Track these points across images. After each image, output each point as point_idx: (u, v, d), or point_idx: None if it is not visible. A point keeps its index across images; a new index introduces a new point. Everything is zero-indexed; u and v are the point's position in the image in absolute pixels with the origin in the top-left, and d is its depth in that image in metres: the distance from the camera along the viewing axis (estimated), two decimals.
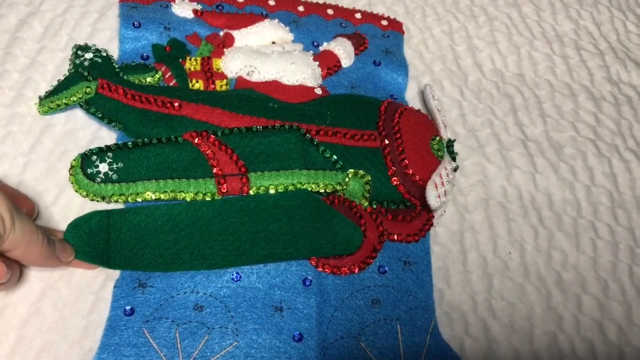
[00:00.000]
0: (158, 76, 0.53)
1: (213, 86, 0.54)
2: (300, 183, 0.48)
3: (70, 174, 0.46)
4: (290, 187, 0.48)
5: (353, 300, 0.46)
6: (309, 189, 0.48)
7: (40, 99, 0.50)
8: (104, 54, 0.53)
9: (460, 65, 0.65)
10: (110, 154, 0.47)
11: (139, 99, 0.50)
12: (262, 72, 0.55)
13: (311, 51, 0.59)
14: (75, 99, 0.49)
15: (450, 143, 0.53)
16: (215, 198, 0.47)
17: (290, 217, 0.46)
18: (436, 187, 0.49)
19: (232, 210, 0.46)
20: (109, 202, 0.46)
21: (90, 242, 0.42)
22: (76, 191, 0.46)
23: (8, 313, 0.41)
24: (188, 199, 0.47)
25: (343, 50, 0.59)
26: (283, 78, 0.55)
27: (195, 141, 0.48)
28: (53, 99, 0.49)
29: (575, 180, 0.59)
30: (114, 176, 0.46)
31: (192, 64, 0.55)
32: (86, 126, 0.51)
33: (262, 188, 0.47)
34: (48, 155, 0.48)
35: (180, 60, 0.55)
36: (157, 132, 0.49)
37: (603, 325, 0.51)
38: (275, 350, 0.43)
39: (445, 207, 0.52)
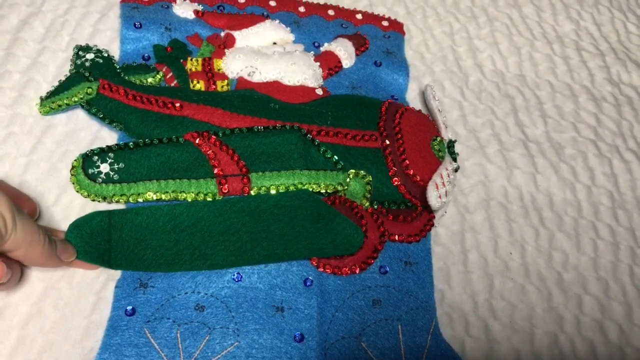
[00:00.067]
0: (159, 77, 0.53)
1: (214, 87, 0.54)
2: (301, 183, 0.48)
3: (72, 175, 0.46)
4: (291, 188, 0.48)
5: (354, 300, 0.46)
6: (310, 189, 0.48)
7: (42, 99, 0.50)
8: (105, 55, 0.53)
9: (461, 66, 0.65)
10: (111, 155, 0.47)
11: (140, 99, 0.50)
12: (263, 72, 0.55)
13: (312, 52, 0.59)
14: (76, 99, 0.49)
15: (451, 143, 0.53)
16: (217, 198, 0.47)
17: (291, 218, 0.46)
18: (437, 187, 0.49)
19: (234, 210, 0.46)
20: (110, 203, 0.46)
21: (92, 242, 0.42)
22: (77, 191, 0.46)
23: (9, 313, 0.41)
24: (189, 200, 0.47)
25: (344, 51, 0.59)
26: (284, 79, 0.55)
27: (197, 141, 0.48)
28: (54, 100, 0.49)
29: (576, 180, 0.59)
30: (115, 176, 0.46)
31: (193, 65, 0.55)
32: (87, 127, 0.51)
33: (263, 188, 0.48)
34: (49, 156, 0.48)
35: (181, 60, 0.55)
36: (158, 132, 0.49)
37: (604, 326, 0.51)
38: (276, 350, 0.43)
39: (446, 207, 0.52)
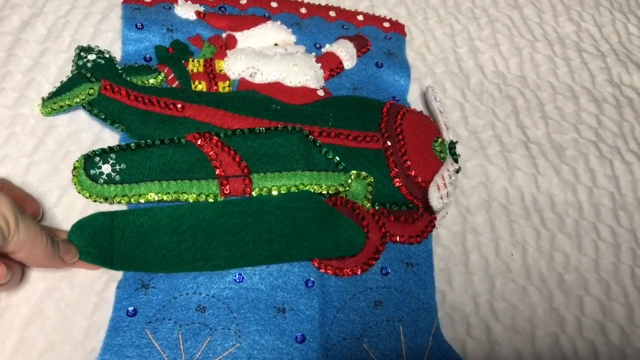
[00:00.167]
0: (161, 77, 0.53)
1: (216, 87, 0.54)
2: (303, 184, 0.48)
3: (73, 175, 0.46)
4: (293, 189, 0.48)
5: (355, 301, 0.46)
6: (312, 190, 0.48)
7: (43, 100, 0.50)
8: (107, 56, 0.53)
9: (462, 67, 0.65)
10: (113, 155, 0.47)
11: (142, 100, 0.50)
12: (265, 73, 0.55)
13: (313, 53, 0.59)
14: (78, 100, 0.49)
15: (452, 145, 0.53)
16: (218, 199, 0.47)
17: (293, 219, 0.46)
18: (438, 188, 0.49)
19: (235, 211, 0.46)
20: (111, 203, 0.46)
21: (94, 243, 0.43)
22: (79, 192, 0.46)
23: (10, 314, 0.41)
24: (191, 200, 0.47)
25: (345, 52, 0.59)
26: (285, 80, 0.55)
27: (198, 142, 0.48)
28: (56, 100, 0.50)
29: (577, 182, 0.59)
30: (117, 177, 0.46)
31: (194, 66, 0.55)
32: (89, 127, 0.51)
33: (264, 189, 0.48)
34: (51, 157, 0.48)
35: (183, 61, 0.55)
36: (159, 133, 0.49)
37: (605, 327, 0.51)
38: (277, 351, 0.43)
39: (447, 208, 0.52)
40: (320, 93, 0.56)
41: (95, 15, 0.57)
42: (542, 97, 0.65)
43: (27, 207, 0.43)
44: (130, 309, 0.42)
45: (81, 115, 0.51)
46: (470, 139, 0.59)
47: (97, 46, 0.54)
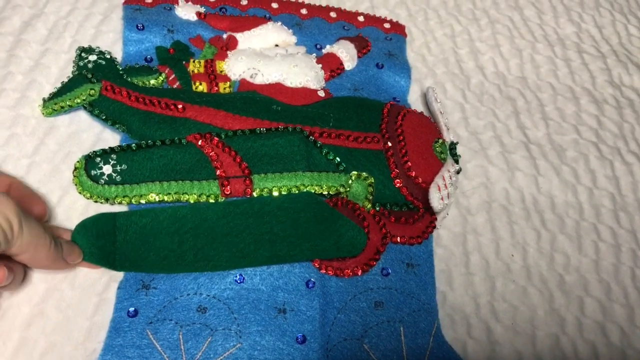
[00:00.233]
0: (162, 78, 0.53)
1: (216, 88, 0.54)
2: (304, 185, 0.48)
3: (74, 176, 0.46)
4: (294, 189, 0.48)
5: (356, 302, 0.46)
6: (312, 190, 0.48)
7: (44, 100, 0.50)
8: (108, 56, 0.53)
9: (462, 68, 0.65)
10: (114, 156, 0.47)
11: (143, 101, 0.50)
12: (266, 74, 0.55)
13: (314, 54, 0.59)
14: (79, 100, 0.49)
15: (452, 146, 0.53)
16: (219, 200, 0.47)
17: (294, 220, 0.46)
18: (439, 189, 0.49)
19: (237, 212, 0.46)
20: (112, 204, 0.46)
21: (98, 243, 0.43)
22: (80, 193, 0.46)
23: (11, 314, 0.41)
24: (192, 201, 0.47)
25: (346, 53, 0.59)
26: (286, 80, 0.55)
27: (199, 143, 0.48)
28: (57, 101, 0.50)
29: (577, 183, 0.59)
30: (118, 178, 0.46)
31: (195, 67, 0.55)
32: (90, 128, 0.51)
33: (265, 190, 0.48)
34: (52, 157, 0.48)
35: (183, 62, 0.55)
36: (160, 134, 0.49)
37: (605, 328, 0.51)
38: (278, 352, 0.43)
39: (448, 209, 0.52)
40: (321, 94, 0.56)
41: (96, 16, 0.58)
42: (542, 98, 0.65)
43: (35, 207, 0.43)
44: (131, 309, 0.42)
45: (82, 116, 0.51)
46: (471, 139, 0.59)
47: (98, 47, 0.54)
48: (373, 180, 0.50)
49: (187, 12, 0.58)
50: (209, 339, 0.42)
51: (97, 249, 0.42)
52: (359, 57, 0.60)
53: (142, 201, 0.46)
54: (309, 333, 0.44)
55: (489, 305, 0.50)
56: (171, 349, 0.41)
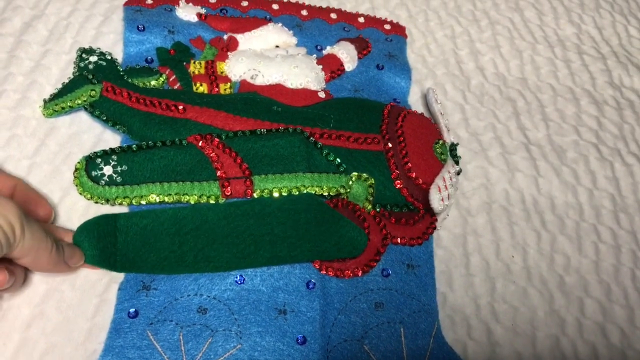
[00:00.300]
0: (162, 79, 0.53)
1: (217, 89, 0.54)
2: (304, 186, 0.48)
3: (75, 177, 0.46)
4: (294, 190, 0.48)
5: (356, 303, 0.46)
6: (313, 192, 0.48)
7: (45, 101, 0.50)
8: (109, 57, 0.54)
9: (462, 69, 0.65)
10: (114, 157, 0.47)
11: (144, 102, 0.50)
12: (266, 75, 0.55)
13: (314, 55, 0.59)
14: (79, 101, 0.50)
15: (453, 147, 0.53)
16: (219, 201, 0.47)
17: (295, 221, 0.46)
18: (439, 190, 0.49)
19: (238, 213, 0.46)
20: (113, 205, 0.46)
21: (99, 245, 0.43)
22: (80, 194, 0.46)
23: (12, 315, 0.41)
24: (192, 202, 0.47)
25: (346, 54, 0.59)
26: (287, 81, 0.55)
27: (200, 144, 0.48)
28: (57, 102, 0.50)
29: (577, 184, 0.59)
30: (118, 179, 0.46)
31: (196, 68, 0.55)
32: (90, 129, 0.51)
33: (265, 191, 0.48)
34: (52, 158, 0.48)
35: (184, 63, 0.55)
36: (161, 135, 0.49)
37: (605, 329, 0.51)
38: (278, 353, 0.43)
39: (448, 210, 0.52)
40: (321, 95, 0.56)
41: (96, 17, 0.58)
42: (542, 99, 0.65)
43: (39, 209, 0.43)
44: (132, 310, 0.42)
45: (83, 117, 0.51)
46: (471, 140, 0.59)
47: (99, 48, 0.55)
48: (373, 181, 0.50)
49: (187, 13, 0.58)
50: (210, 340, 0.42)
51: (99, 251, 0.42)
52: (359, 58, 0.60)
53: (143, 202, 0.46)
54: (309, 334, 0.44)
55: (489, 306, 0.50)
56: (171, 349, 0.41)
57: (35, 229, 0.36)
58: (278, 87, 0.55)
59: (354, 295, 0.46)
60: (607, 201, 0.58)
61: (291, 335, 0.43)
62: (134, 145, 0.48)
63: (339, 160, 0.50)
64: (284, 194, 0.48)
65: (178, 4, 0.59)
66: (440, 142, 0.53)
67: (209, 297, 0.44)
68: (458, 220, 0.54)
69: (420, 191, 0.50)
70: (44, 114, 0.50)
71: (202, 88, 0.54)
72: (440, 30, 0.68)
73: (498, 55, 0.67)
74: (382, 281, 0.48)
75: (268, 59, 0.56)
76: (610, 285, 0.53)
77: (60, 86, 0.51)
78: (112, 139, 0.51)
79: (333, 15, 0.63)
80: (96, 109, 0.50)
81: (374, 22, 0.65)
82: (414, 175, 0.50)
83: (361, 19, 0.64)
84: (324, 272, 0.46)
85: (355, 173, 0.50)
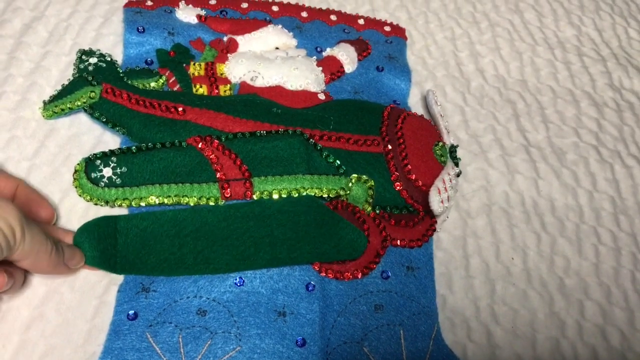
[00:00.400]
0: (162, 81, 0.53)
1: (217, 91, 0.54)
2: (304, 188, 0.48)
3: (74, 178, 0.46)
4: (294, 192, 0.48)
5: (356, 305, 0.46)
6: (312, 193, 0.48)
7: (45, 103, 0.50)
8: (108, 59, 0.54)
9: (462, 71, 0.65)
10: (114, 159, 0.47)
11: (143, 103, 0.50)
12: (266, 77, 0.55)
13: (314, 57, 0.59)
14: (79, 103, 0.50)
15: (453, 149, 0.53)
16: (219, 203, 0.47)
17: (295, 223, 0.46)
18: (439, 192, 0.49)
19: (237, 215, 0.46)
20: (112, 207, 0.46)
21: (99, 247, 0.43)
22: (80, 195, 0.46)
23: (11, 317, 0.41)
24: (192, 204, 0.47)
25: (346, 56, 0.59)
26: (287, 83, 0.55)
27: (199, 146, 0.48)
28: (57, 103, 0.50)
29: (577, 186, 0.59)
30: (118, 180, 0.46)
31: (196, 69, 0.55)
32: (90, 130, 0.51)
33: (265, 193, 0.48)
34: (52, 160, 0.48)
35: (184, 65, 0.55)
36: (161, 136, 0.49)
37: (606, 331, 0.51)
38: (278, 355, 0.43)
39: (448, 212, 0.52)
40: (321, 97, 0.56)
41: (96, 19, 0.58)
42: (542, 101, 0.65)
43: (41, 210, 0.43)
44: (131, 312, 0.42)
45: (82, 119, 0.51)
46: (471, 142, 0.59)
47: (99, 49, 0.55)
48: (373, 183, 0.50)
49: (187, 15, 0.58)
50: (209, 342, 0.42)
51: (99, 252, 0.42)
52: (359, 60, 0.60)
53: (142, 204, 0.46)
54: (308, 336, 0.44)
55: (489, 308, 0.50)
56: (171, 352, 0.41)
57: (36, 232, 0.36)
58: (278, 89, 0.55)
59: (353, 298, 0.46)
60: (607, 203, 0.58)
61: (290, 337, 0.43)
62: (134, 147, 0.48)
63: (338, 162, 0.50)
64: (284, 195, 0.48)
65: (178, 6, 0.59)
66: (440, 144, 0.53)
67: (208, 299, 0.44)
68: (458, 222, 0.54)
69: (420, 193, 0.50)
70: (43, 116, 0.50)
71: (202, 90, 0.54)
72: (440, 32, 0.68)
73: (498, 57, 0.67)
74: (382, 283, 0.48)
75: (268, 60, 0.56)
76: (610, 287, 0.53)
77: (60, 88, 0.51)
78: (111, 141, 0.51)
79: (333, 17, 0.63)
80: (96, 111, 0.50)
81: (374, 24, 0.65)
82: (413, 177, 0.50)
83: (361, 21, 0.64)
84: (323, 274, 0.46)
85: (355, 175, 0.50)
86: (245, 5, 0.61)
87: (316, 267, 0.46)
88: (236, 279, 0.45)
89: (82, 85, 0.50)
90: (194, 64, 0.55)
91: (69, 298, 0.43)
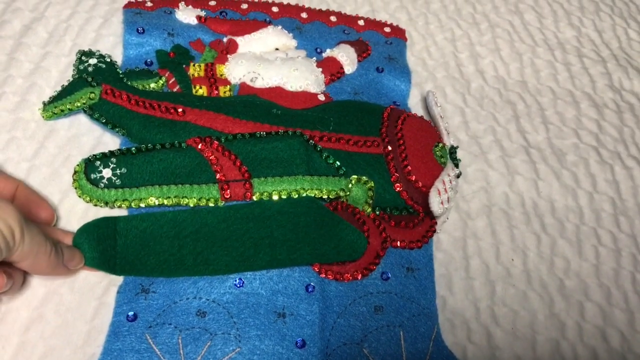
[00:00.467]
0: (162, 82, 0.53)
1: (216, 92, 0.54)
2: (304, 189, 0.48)
3: (74, 179, 0.46)
4: (294, 193, 0.48)
5: (356, 306, 0.46)
6: (312, 194, 0.48)
7: (44, 104, 0.50)
8: (108, 60, 0.53)
9: (462, 72, 0.65)
10: (113, 160, 0.47)
11: (143, 104, 0.50)
12: (266, 78, 0.55)
13: (314, 57, 0.59)
14: (79, 104, 0.50)
15: (453, 150, 0.53)
16: (219, 204, 0.47)
17: (294, 224, 0.46)
18: (439, 193, 0.49)
19: (237, 217, 0.46)
20: (112, 208, 0.46)
21: (99, 248, 0.43)
22: (79, 196, 0.46)
23: (10, 318, 0.41)
24: (191, 205, 0.47)
25: (346, 57, 0.59)
26: (286, 84, 0.55)
27: (199, 147, 0.48)
28: (57, 104, 0.50)
29: (577, 187, 0.59)
30: (118, 181, 0.46)
31: (195, 70, 0.55)
32: (90, 131, 0.51)
33: (265, 194, 0.48)
34: (52, 161, 0.48)
35: (184, 66, 0.55)
36: (160, 137, 0.49)
37: (606, 333, 0.51)
38: (277, 356, 0.43)
39: (448, 213, 0.52)
40: (321, 98, 0.56)
41: (96, 20, 0.58)
42: (542, 102, 0.65)
43: (41, 211, 0.43)
44: (131, 313, 0.42)
45: (82, 120, 0.51)
46: (471, 143, 0.59)
47: (98, 50, 0.55)
48: (373, 184, 0.50)
49: (187, 16, 0.58)
50: (208, 343, 0.42)
51: (98, 254, 0.42)
52: (359, 61, 0.60)
53: (142, 205, 0.46)
54: (308, 337, 0.43)
55: (489, 309, 0.50)
56: (170, 353, 0.41)
57: (35, 233, 0.36)
58: (278, 90, 0.55)
59: (353, 299, 0.46)
60: (607, 204, 0.58)
61: (290, 338, 0.43)
62: (133, 148, 0.48)
63: (338, 163, 0.50)
64: (284, 196, 0.48)
65: (178, 7, 0.59)
66: (440, 145, 0.53)
67: (208, 300, 0.44)
68: (458, 224, 0.54)
69: (419, 194, 0.50)
70: (43, 117, 0.50)
71: (202, 90, 0.54)
72: (440, 33, 0.68)
73: (498, 58, 0.67)
74: (382, 284, 0.47)
75: (268, 61, 0.56)
76: (610, 288, 0.53)
77: (59, 88, 0.51)
78: (111, 142, 0.50)
79: (333, 18, 0.63)
80: (95, 112, 0.50)
81: (374, 25, 0.65)
82: (413, 178, 0.50)
83: (361, 22, 0.64)
84: (323, 275, 0.46)
85: (355, 176, 0.50)
86: (245, 6, 0.61)
87: (316, 269, 0.46)
88: (236, 280, 0.45)
89: (82, 86, 0.50)
90: (194, 65, 0.55)
91: (69, 299, 0.43)
